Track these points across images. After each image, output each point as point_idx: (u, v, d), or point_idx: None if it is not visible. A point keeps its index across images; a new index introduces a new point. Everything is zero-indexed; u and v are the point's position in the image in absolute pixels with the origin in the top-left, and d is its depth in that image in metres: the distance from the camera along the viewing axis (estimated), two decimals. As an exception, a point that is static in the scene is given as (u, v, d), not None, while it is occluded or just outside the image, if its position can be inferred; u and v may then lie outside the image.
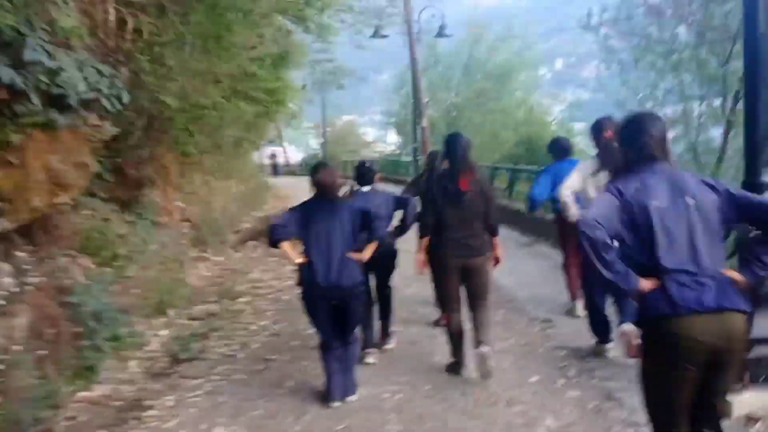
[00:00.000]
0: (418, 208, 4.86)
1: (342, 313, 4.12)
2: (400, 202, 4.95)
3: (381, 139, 58.27)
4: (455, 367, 4.48)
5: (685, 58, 14.16)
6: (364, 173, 5.03)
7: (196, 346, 5.15)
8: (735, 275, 2.33)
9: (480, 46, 24.91)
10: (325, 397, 4.09)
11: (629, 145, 2.50)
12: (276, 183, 30.10)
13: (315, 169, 4.31)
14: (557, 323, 5.58)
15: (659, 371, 2.38)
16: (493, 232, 4.39)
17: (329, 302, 4.07)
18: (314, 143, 50.39)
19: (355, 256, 4.04)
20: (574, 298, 5.67)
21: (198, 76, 6.28)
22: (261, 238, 10.95)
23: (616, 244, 2.35)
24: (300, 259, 4.08)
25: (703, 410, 2.41)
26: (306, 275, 4.07)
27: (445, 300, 4.50)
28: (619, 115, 4.79)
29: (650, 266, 2.30)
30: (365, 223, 4.15)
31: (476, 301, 4.35)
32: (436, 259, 4.35)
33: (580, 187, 4.57)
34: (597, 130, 4.59)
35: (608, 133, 4.37)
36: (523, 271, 7.59)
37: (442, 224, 4.24)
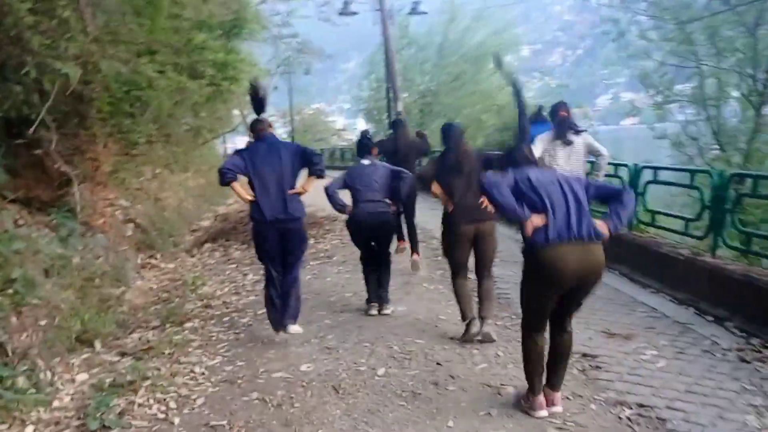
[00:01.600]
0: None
1: (286, 244, 4.79)
2: (397, 175, 5.44)
3: (350, 127, 56.90)
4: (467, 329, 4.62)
5: (703, 25, 12.91)
6: (366, 143, 5.64)
7: (118, 403, 3.77)
8: (600, 224, 3.11)
9: (455, 26, 23.60)
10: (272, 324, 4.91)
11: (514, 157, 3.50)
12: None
13: (253, 122, 4.92)
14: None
15: (536, 286, 3.16)
16: None
17: (275, 232, 4.71)
18: (282, 132, 48.60)
19: (295, 192, 4.68)
20: None
21: (124, 43, 4.88)
22: (220, 239, 9.54)
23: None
24: (249, 198, 4.69)
25: (561, 315, 3.24)
26: (254, 212, 4.74)
27: (455, 266, 4.68)
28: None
29: (539, 208, 3.12)
30: (305, 161, 4.70)
31: (484, 269, 4.66)
32: (448, 228, 4.62)
33: (540, 153, 5.41)
34: (554, 110, 5.78)
35: (562, 113, 5.62)
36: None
37: (451, 194, 4.51)
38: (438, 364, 4.18)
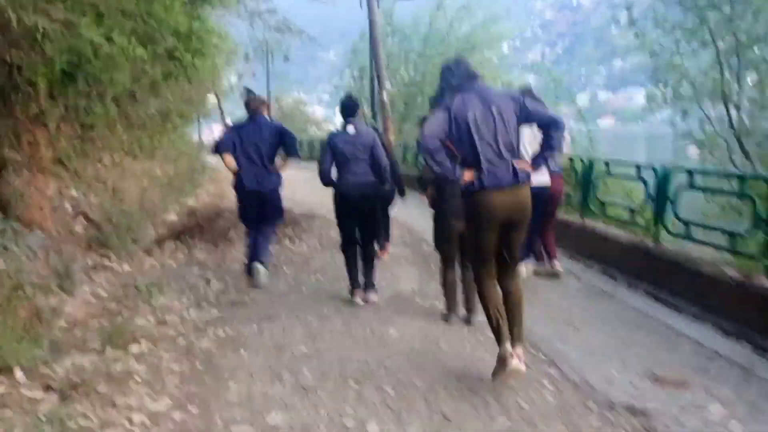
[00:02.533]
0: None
1: (263, 208, 5.93)
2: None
3: (330, 118, 55.86)
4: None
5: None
6: (351, 105, 5.41)
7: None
8: (524, 164, 3.46)
9: (441, 16, 22.67)
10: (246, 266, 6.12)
11: (455, 74, 3.53)
12: (219, 163, 27.22)
13: (247, 99, 5.84)
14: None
15: (476, 228, 3.51)
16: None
17: (254, 200, 5.90)
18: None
19: (274, 167, 5.85)
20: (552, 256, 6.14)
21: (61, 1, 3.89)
22: (185, 237, 8.54)
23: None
24: (234, 168, 5.83)
25: (504, 250, 3.56)
26: (238, 181, 5.92)
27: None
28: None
29: (471, 159, 3.38)
30: (283, 141, 5.80)
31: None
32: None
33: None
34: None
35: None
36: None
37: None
38: (445, 418, 3.28)
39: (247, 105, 5.86)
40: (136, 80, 7.50)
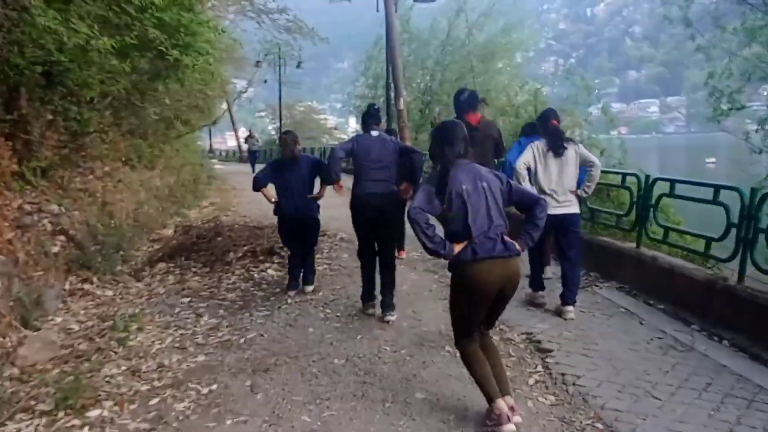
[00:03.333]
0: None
1: (303, 234, 6.20)
2: (407, 152, 5.40)
3: (342, 126, 55.18)
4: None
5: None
6: (374, 114, 5.39)
7: None
8: (515, 242, 3.34)
9: (460, 22, 21.74)
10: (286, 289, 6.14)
11: (443, 148, 3.39)
12: (231, 171, 26.29)
13: (282, 135, 6.53)
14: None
15: (467, 300, 3.35)
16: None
17: (295, 225, 6.17)
18: (271, 128, 46.54)
19: (313, 196, 6.16)
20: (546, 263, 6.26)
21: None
22: (178, 257, 7.61)
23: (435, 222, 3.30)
24: (275, 199, 6.29)
25: (490, 318, 3.52)
26: (278, 210, 6.29)
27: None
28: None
29: (462, 231, 3.28)
30: (320, 172, 6.09)
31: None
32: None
33: (533, 162, 5.13)
34: (545, 118, 5.31)
35: (553, 122, 5.22)
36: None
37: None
38: None
39: (283, 144, 6.19)
40: (113, 80, 6.58)
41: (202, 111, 19.36)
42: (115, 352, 4.61)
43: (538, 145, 5.13)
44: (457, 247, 3.25)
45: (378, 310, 5.24)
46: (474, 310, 3.35)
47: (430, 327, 5.00)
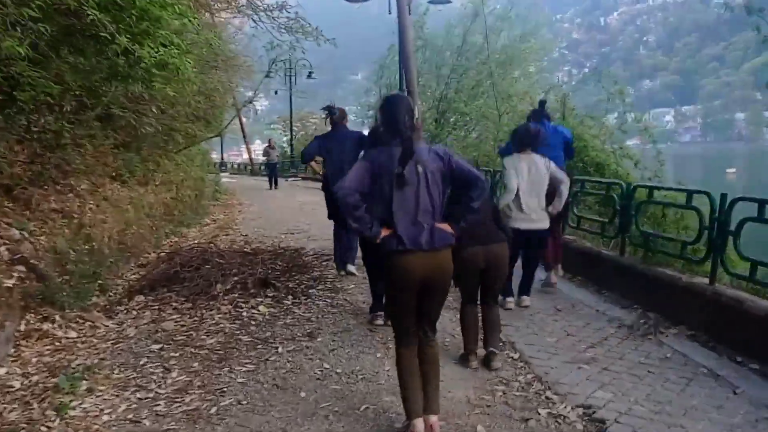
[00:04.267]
0: None
1: None
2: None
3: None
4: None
5: None
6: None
7: None
8: (446, 226, 3.18)
9: (476, 27, 20.72)
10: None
11: (385, 124, 3.21)
12: (241, 185, 25.37)
13: (329, 108, 6.84)
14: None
15: (395, 290, 3.25)
16: None
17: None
18: (284, 140, 45.67)
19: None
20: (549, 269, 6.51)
21: None
22: (160, 289, 6.59)
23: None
24: (321, 171, 7.04)
25: (423, 316, 3.29)
26: (325, 183, 6.48)
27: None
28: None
29: (387, 217, 3.12)
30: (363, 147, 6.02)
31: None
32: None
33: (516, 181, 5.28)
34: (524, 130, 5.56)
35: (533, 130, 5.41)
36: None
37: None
38: None
39: (331, 118, 6.68)
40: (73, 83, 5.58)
41: (208, 122, 18.51)
42: (48, 427, 3.58)
43: (515, 163, 5.31)
44: (384, 231, 3.13)
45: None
46: (399, 302, 3.26)
47: (456, 393, 3.92)
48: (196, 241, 10.76)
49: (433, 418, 3.22)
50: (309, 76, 27.48)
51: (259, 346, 4.82)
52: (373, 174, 3.12)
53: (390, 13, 13.90)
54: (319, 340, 4.92)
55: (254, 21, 9.53)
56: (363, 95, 27.69)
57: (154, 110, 9.18)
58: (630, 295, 5.81)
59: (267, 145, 25.78)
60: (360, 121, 31.87)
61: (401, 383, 3.28)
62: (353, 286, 6.59)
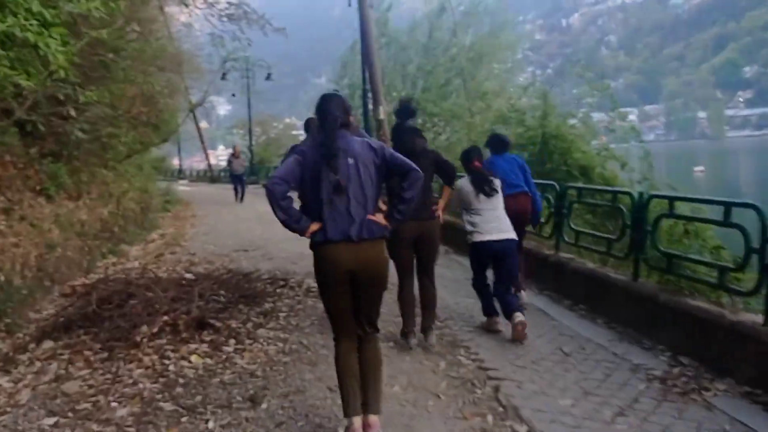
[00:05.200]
0: None
1: None
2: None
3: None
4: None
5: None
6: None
7: None
8: (379, 218, 3.15)
9: (442, 23, 19.75)
10: None
11: (320, 118, 3.19)
12: (199, 193, 23.93)
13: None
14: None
15: (323, 282, 3.20)
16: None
17: None
18: (243, 144, 44.15)
19: None
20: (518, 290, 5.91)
21: None
22: (74, 332, 5.36)
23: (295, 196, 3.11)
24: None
25: (360, 312, 3.22)
26: None
27: (401, 271, 4.84)
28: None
29: (315, 208, 3.10)
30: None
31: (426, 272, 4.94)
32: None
33: (467, 199, 5.20)
34: (468, 159, 5.32)
35: (475, 164, 5.25)
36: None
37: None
38: None
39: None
40: None
41: (156, 127, 17.14)
42: None
43: (464, 184, 5.23)
44: (314, 226, 3.11)
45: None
46: (330, 296, 3.22)
47: None
48: (137, 262, 9.52)
49: (373, 418, 3.17)
50: (268, 77, 26.15)
51: (184, 419, 3.66)
52: (303, 167, 3.13)
53: (350, 5, 12.85)
54: (263, 407, 3.77)
55: (185, 5, 8.36)
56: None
57: (86, 115, 7.95)
58: (650, 332, 4.76)
59: (231, 153, 20.89)
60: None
61: (339, 380, 3.23)
62: (310, 322, 5.46)
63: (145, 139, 15.76)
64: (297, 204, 3.14)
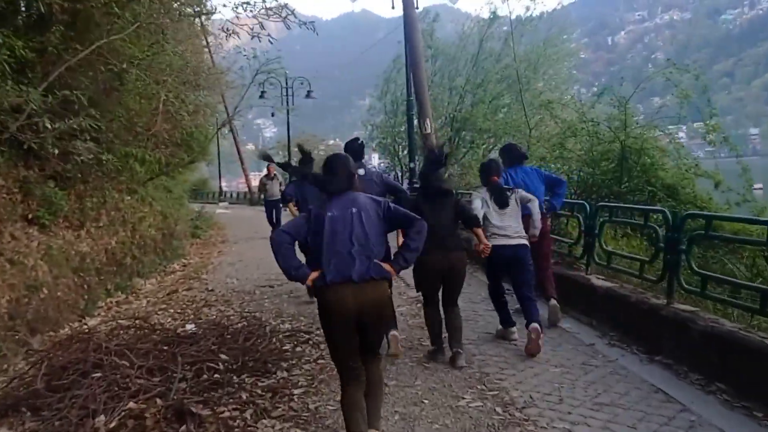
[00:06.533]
0: None
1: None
2: (392, 189, 5.61)
3: (365, 162, 52.34)
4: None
5: None
6: (357, 149, 5.35)
7: None
8: (385, 265, 3.25)
9: (493, 33, 18.20)
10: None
11: (327, 178, 3.35)
12: (236, 217, 22.78)
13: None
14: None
15: (327, 324, 3.28)
16: None
17: None
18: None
19: None
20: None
21: None
22: (21, 414, 3.94)
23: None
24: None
25: (365, 349, 3.30)
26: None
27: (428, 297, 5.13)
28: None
29: (320, 255, 3.19)
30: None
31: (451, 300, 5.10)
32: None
33: (483, 210, 5.30)
34: (486, 173, 5.50)
35: (493, 178, 5.42)
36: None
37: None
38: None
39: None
40: None
41: (189, 146, 16.02)
42: None
43: (484, 196, 5.39)
44: (314, 274, 3.22)
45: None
46: (335, 338, 3.29)
47: None
48: (146, 301, 8.20)
49: None
50: (307, 95, 25.00)
51: None
52: (309, 223, 3.25)
53: (393, 7, 11.46)
54: None
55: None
56: (372, 115, 25.17)
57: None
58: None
59: (264, 174, 16.44)
60: (369, 147, 29.48)
61: (345, 419, 3.25)
62: (335, 405, 3.91)
63: (172, 160, 14.63)
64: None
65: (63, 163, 8.39)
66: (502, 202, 5.25)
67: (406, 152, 16.23)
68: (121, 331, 5.83)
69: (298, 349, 5.12)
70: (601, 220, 6.34)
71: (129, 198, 10.90)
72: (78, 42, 8.46)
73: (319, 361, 4.78)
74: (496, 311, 5.53)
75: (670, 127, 9.51)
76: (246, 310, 7.08)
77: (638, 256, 5.90)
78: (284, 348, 5.12)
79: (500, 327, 5.52)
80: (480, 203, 5.32)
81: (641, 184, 8.82)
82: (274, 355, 4.77)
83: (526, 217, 5.42)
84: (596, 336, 5.40)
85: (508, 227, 5.22)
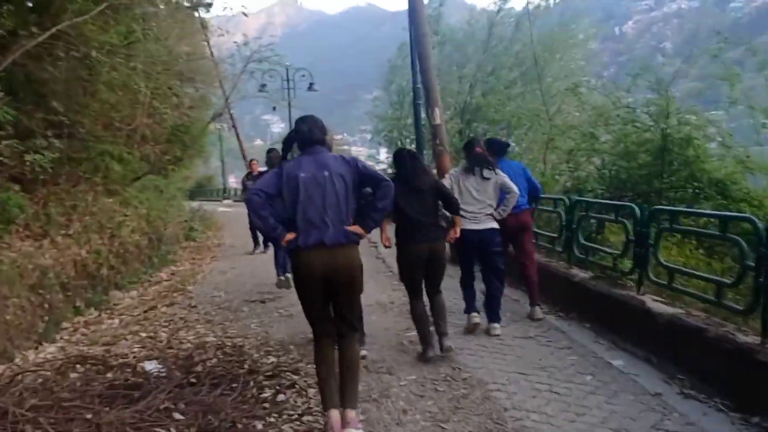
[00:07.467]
0: None
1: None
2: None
3: (373, 157, 52.40)
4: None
5: None
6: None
7: None
8: (356, 228, 3.40)
9: (504, 17, 17.03)
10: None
11: (298, 136, 3.50)
12: (240, 215, 21.58)
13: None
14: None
15: (300, 285, 3.45)
16: None
17: None
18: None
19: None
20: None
21: None
22: None
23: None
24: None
25: (337, 314, 3.49)
26: None
27: (412, 288, 5.06)
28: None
29: (293, 218, 3.36)
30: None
31: (434, 288, 5.08)
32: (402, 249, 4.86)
33: (450, 185, 5.35)
34: (470, 146, 5.65)
35: (477, 149, 5.53)
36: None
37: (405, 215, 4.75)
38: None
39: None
40: None
41: (183, 143, 15.00)
42: None
43: (452, 174, 5.60)
44: (290, 235, 3.35)
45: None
46: (306, 298, 3.44)
47: None
48: (118, 320, 7.15)
49: (351, 413, 3.29)
50: (310, 87, 23.92)
51: None
52: (281, 179, 3.35)
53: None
54: None
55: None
56: (378, 108, 24.03)
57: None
58: None
59: (246, 173, 13.08)
60: (376, 141, 28.33)
61: (317, 375, 3.44)
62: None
63: (163, 157, 13.61)
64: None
65: (21, 164, 7.38)
66: (480, 170, 5.32)
67: (413, 146, 15.15)
68: (68, 369, 4.80)
69: (280, 397, 4.04)
70: (659, 227, 5.22)
71: (107, 200, 9.84)
72: (37, 25, 7.45)
73: (305, 419, 3.69)
74: (464, 300, 5.62)
75: (713, 112, 8.38)
76: (227, 334, 6.03)
77: (715, 277, 4.67)
78: (262, 396, 4.04)
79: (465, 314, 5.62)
80: (448, 183, 5.38)
81: (683, 179, 7.67)
82: (245, 412, 3.69)
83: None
84: (661, 381, 4.20)
85: (477, 212, 5.30)
